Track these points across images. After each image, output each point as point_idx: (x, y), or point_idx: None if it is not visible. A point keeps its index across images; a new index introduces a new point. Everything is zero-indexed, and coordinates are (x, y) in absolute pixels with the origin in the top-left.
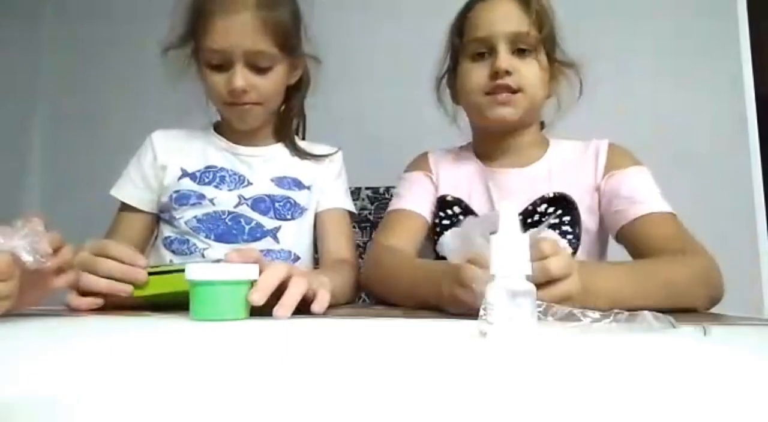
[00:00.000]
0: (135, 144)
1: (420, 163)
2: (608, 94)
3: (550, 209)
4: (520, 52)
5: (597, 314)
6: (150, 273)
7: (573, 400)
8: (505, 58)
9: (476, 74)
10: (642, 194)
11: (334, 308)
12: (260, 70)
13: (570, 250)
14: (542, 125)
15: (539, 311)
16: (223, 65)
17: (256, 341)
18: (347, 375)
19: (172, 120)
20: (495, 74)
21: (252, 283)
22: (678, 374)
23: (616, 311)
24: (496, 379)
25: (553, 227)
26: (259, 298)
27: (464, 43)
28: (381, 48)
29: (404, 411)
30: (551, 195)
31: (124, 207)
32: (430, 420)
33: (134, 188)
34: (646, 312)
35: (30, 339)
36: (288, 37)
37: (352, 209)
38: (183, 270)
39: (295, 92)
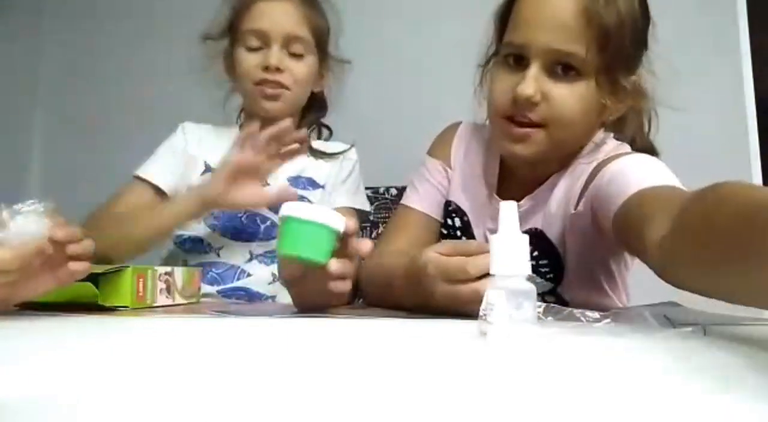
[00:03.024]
0: (135, 144)
1: (443, 147)
2: None
3: None
4: (565, 69)
5: (597, 315)
6: None
7: (573, 400)
8: (531, 83)
9: (500, 89)
10: (629, 174)
11: (334, 307)
12: (294, 56)
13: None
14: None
15: (539, 312)
16: (261, 47)
17: (256, 340)
18: (346, 375)
19: (172, 120)
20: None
21: (338, 233)
22: (678, 374)
23: (615, 310)
24: (496, 379)
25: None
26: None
27: (503, 40)
28: (381, 48)
29: (404, 411)
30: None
31: (138, 183)
32: (430, 420)
33: (162, 168)
34: (646, 313)
35: (30, 339)
36: (321, 35)
37: (362, 206)
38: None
39: (313, 109)
